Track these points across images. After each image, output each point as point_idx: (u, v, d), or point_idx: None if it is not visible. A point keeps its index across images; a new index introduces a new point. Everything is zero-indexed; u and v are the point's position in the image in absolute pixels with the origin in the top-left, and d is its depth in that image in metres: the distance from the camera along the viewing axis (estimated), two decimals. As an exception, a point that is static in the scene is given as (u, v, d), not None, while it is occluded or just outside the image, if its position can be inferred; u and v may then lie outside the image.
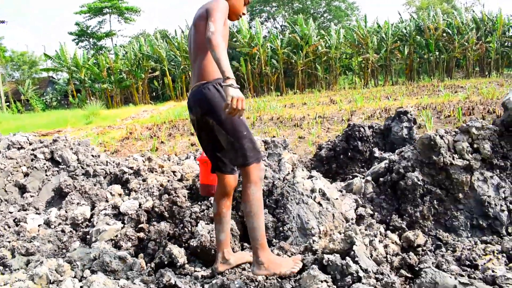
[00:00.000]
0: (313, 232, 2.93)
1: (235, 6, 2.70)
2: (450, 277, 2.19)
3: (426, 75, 31.04)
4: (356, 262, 2.27)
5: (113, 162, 6.36)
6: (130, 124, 17.63)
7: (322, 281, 2.16)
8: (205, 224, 2.98)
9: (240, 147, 2.46)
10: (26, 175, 5.93)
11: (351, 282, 2.19)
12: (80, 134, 16.27)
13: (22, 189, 5.72)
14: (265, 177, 3.41)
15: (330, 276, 2.24)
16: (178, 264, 2.75)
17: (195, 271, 2.75)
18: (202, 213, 3.22)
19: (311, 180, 3.25)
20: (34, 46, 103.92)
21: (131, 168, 5.82)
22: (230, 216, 2.77)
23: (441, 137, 3.42)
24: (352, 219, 3.20)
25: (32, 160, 5.97)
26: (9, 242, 3.47)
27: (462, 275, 2.43)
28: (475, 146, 3.42)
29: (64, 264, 2.55)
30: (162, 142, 11.05)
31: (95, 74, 29.80)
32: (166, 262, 2.76)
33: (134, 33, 43.81)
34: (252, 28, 33.26)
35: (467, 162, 3.35)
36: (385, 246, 2.82)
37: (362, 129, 5.00)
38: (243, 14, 2.80)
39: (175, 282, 2.41)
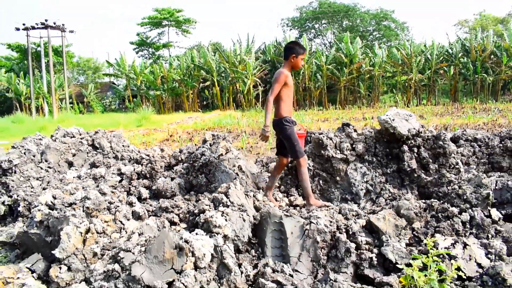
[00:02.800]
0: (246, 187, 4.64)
1: (297, 65, 4.64)
2: (279, 211, 3.81)
3: (470, 97, 31.08)
4: (228, 198, 3.96)
5: (138, 151, 8.34)
6: (173, 128, 20.03)
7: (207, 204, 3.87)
8: (164, 179, 4.77)
9: (293, 149, 4.48)
10: (73, 155, 8.04)
11: (220, 206, 3.89)
12: (130, 134, 18.86)
13: (70, 164, 7.81)
14: (203, 154, 5.16)
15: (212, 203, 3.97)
16: (143, 197, 4.57)
17: (152, 202, 4.56)
18: (168, 172, 5.01)
19: (235, 160, 4.92)
20: (98, 53, 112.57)
21: (147, 155, 7.75)
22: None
23: (328, 138, 4.97)
24: (262, 188, 4.85)
25: (79, 145, 8.09)
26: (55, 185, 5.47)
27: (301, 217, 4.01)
28: (354, 146, 4.94)
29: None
30: (195, 144, 12.99)
31: (150, 82, 32.87)
32: (137, 196, 4.58)
33: (190, 44, 47.13)
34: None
35: (345, 156, 4.88)
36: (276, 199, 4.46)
37: (312, 135, 6.58)
38: (302, 66, 4.88)
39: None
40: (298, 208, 4.60)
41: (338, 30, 42.44)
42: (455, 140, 6.29)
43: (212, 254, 3.51)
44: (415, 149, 4.83)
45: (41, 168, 7.15)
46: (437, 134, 4.83)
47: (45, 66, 30.78)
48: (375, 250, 3.71)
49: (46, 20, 28.05)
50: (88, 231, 3.81)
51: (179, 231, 3.96)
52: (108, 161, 7.24)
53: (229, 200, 4.00)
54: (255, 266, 3.78)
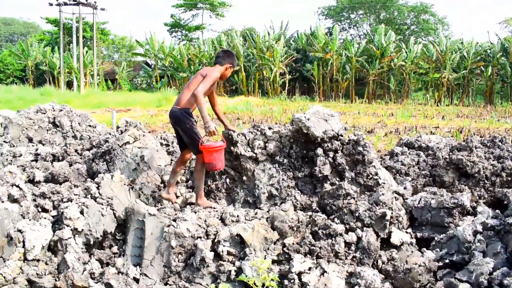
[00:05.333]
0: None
1: (225, 75, 4.44)
2: (144, 207, 3.52)
3: (505, 100, 29.17)
4: (98, 189, 3.70)
5: (106, 133, 8.23)
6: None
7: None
8: (62, 163, 4.59)
9: (193, 143, 4.12)
10: (35, 131, 8.03)
11: (87, 196, 3.64)
12: (138, 114, 19.05)
13: (30, 140, 7.81)
14: (107, 141, 4.91)
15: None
16: (36, 180, 4.42)
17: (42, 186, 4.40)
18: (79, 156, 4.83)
19: (140, 150, 4.65)
20: (136, 32, 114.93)
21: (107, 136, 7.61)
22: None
23: (241, 134, 4.59)
24: (163, 181, 4.57)
25: (40, 122, 8.07)
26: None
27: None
28: (266, 144, 4.54)
29: None
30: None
31: (177, 63, 32.99)
32: (30, 178, 4.45)
33: (224, 28, 46.91)
34: (329, 34, 33.90)
35: (255, 155, 4.49)
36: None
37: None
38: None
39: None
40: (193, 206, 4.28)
41: (375, 21, 40.77)
42: (408, 145, 5.72)
43: (51, 246, 3.28)
44: (331, 154, 4.36)
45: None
46: (357, 138, 4.34)
47: (76, 41, 31.52)
48: (237, 263, 3.35)
49: (78, -4, 28.63)
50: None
51: (45, 218, 3.75)
52: (62, 140, 7.15)
53: (99, 192, 3.74)
54: (108, 264, 3.53)
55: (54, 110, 8.64)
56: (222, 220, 3.76)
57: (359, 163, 4.31)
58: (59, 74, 33.39)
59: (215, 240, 3.46)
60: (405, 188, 4.40)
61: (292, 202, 4.20)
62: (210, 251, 3.37)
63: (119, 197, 3.82)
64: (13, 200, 3.96)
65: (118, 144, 4.62)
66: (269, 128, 4.63)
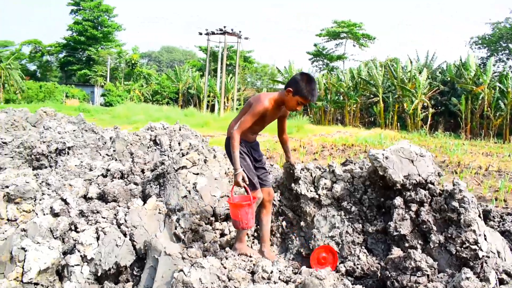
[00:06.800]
0: (170, 208, 3.93)
1: (290, 105, 3.34)
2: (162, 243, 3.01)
3: None
4: (126, 214, 3.31)
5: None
6: (308, 140, 19.59)
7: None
8: (115, 181, 4.39)
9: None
10: (138, 147, 8.33)
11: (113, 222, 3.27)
12: (264, 139, 19.20)
13: (132, 155, 8.11)
14: (163, 163, 4.51)
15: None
16: (89, 196, 4.30)
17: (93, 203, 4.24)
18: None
19: (197, 176, 4.16)
20: (279, 61, 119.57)
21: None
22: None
23: (305, 169, 3.77)
24: (214, 214, 4.00)
25: (143, 139, 8.35)
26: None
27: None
28: (333, 185, 3.64)
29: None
30: (315, 159, 12.22)
31: (314, 92, 32.85)
32: (84, 195, 4.35)
33: (366, 58, 45.42)
34: (483, 66, 30.11)
35: (317, 196, 3.63)
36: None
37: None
38: (297, 110, 3.42)
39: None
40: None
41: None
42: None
43: (59, 271, 2.98)
44: (413, 207, 3.28)
45: (100, 155, 7.57)
46: (452, 189, 3.18)
47: (220, 68, 33.81)
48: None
49: (224, 27, 30.68)
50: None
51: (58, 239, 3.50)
52: (158, 158, 7.21)
53: (125, 218, 3.34)
54: None
55: (164, 129, 8.92)
56: (253, 273, 3.02)
57: (452, 223, 3.14)
58: (204, 98, 36.18)
59: (229, 300, 2.75)
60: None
61: (354, 264, 3.24)
62: (219, 313, 2.67)
63: (146, 227, 3.38)
64: (54, 214, 3.84)
65: (174, 168, 4.24)
66: (344, 164, 3.74)
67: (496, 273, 3.07)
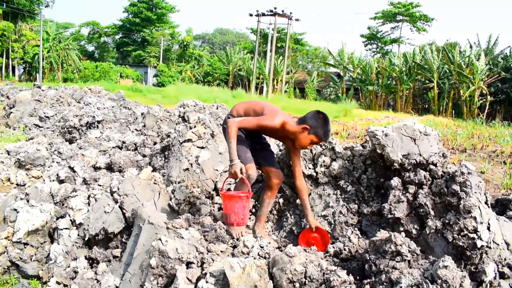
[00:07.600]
0: (171, 179, 3.95)
1: (301, 143, 3.10)
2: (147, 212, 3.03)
3: None
4: (120, 182, 3.36)
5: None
6: (353, 124, 19.12)
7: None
8: (122, 152, 4.45)
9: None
10: (167, 123, 8.46)
11: (107, 189, 3.34)
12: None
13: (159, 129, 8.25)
14: (169, 136, 4.52)
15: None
16: (97, 166, 4.42)
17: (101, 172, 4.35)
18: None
19: (201, 150, 4.13)
20: (332, 44, 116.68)
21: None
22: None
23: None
24: (216, 188, 3.97)
25: (172, 115, 8.47)
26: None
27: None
28: (332, 163, 3.47)
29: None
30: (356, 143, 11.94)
31: (365, 75, 31.84)
32: (93, 164, 4.47)
33: (423, 42, 43.21)
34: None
35: (315, 174, 3.48)
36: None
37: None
38: (307, 148, 3.20)
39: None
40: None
41: None
42: None
43: (51, 233, 3.09)
44: (411, 188, 3.05)
45: (129, 129, 7.77)
46: (453, 171, 2.91)
47: (270, 50, 33.60)
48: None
49: (275, 8, 30.35)
50: (8, 179, 3.88)
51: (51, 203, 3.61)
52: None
53: (118, 186, 3.38)
54: (92, 266, 3.14)
55: (196, 106, 9.00)
56: (234, 247, 2.97)
57: (452, 209, 2.89)
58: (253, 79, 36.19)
59: (203, 272, 2.71)
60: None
61: (344, 245, 3.08)
62: (190, 284, 2.64)
63: (138, 196, 3.40)
64: (59, 181, 3.97)
65: (179, 141, 4.24)
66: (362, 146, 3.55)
67: (498, 265, 2.81)
